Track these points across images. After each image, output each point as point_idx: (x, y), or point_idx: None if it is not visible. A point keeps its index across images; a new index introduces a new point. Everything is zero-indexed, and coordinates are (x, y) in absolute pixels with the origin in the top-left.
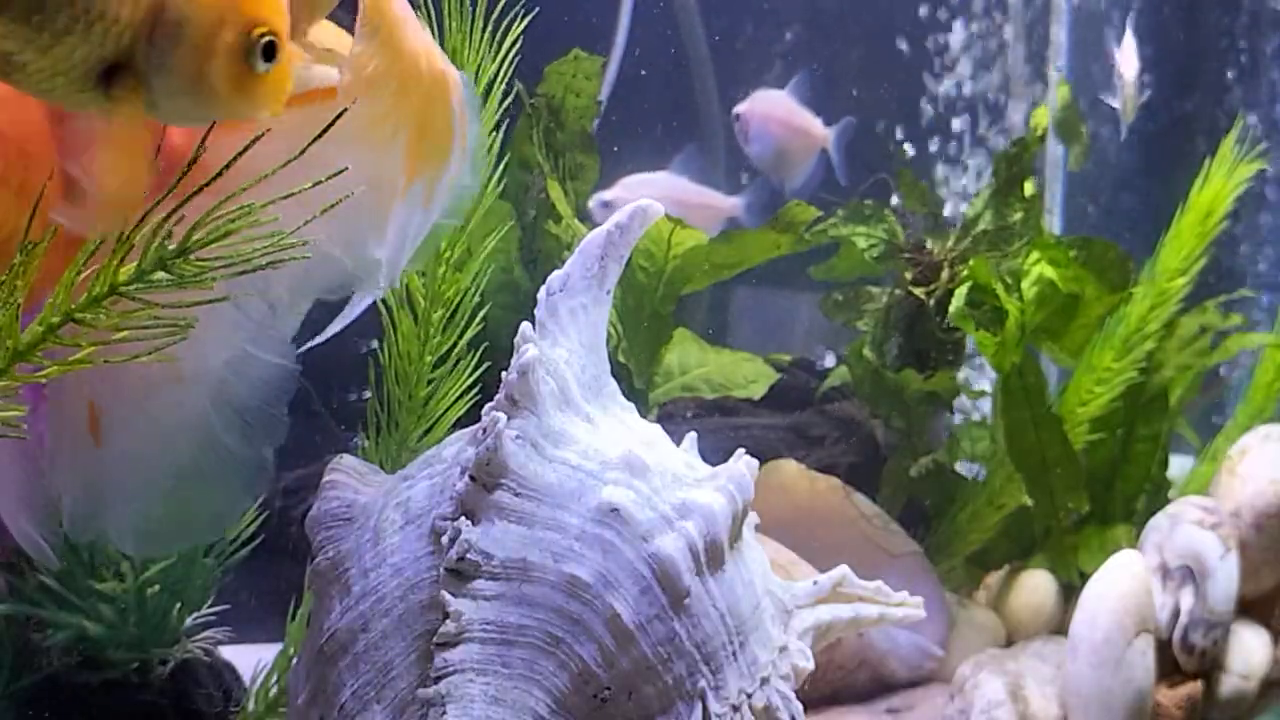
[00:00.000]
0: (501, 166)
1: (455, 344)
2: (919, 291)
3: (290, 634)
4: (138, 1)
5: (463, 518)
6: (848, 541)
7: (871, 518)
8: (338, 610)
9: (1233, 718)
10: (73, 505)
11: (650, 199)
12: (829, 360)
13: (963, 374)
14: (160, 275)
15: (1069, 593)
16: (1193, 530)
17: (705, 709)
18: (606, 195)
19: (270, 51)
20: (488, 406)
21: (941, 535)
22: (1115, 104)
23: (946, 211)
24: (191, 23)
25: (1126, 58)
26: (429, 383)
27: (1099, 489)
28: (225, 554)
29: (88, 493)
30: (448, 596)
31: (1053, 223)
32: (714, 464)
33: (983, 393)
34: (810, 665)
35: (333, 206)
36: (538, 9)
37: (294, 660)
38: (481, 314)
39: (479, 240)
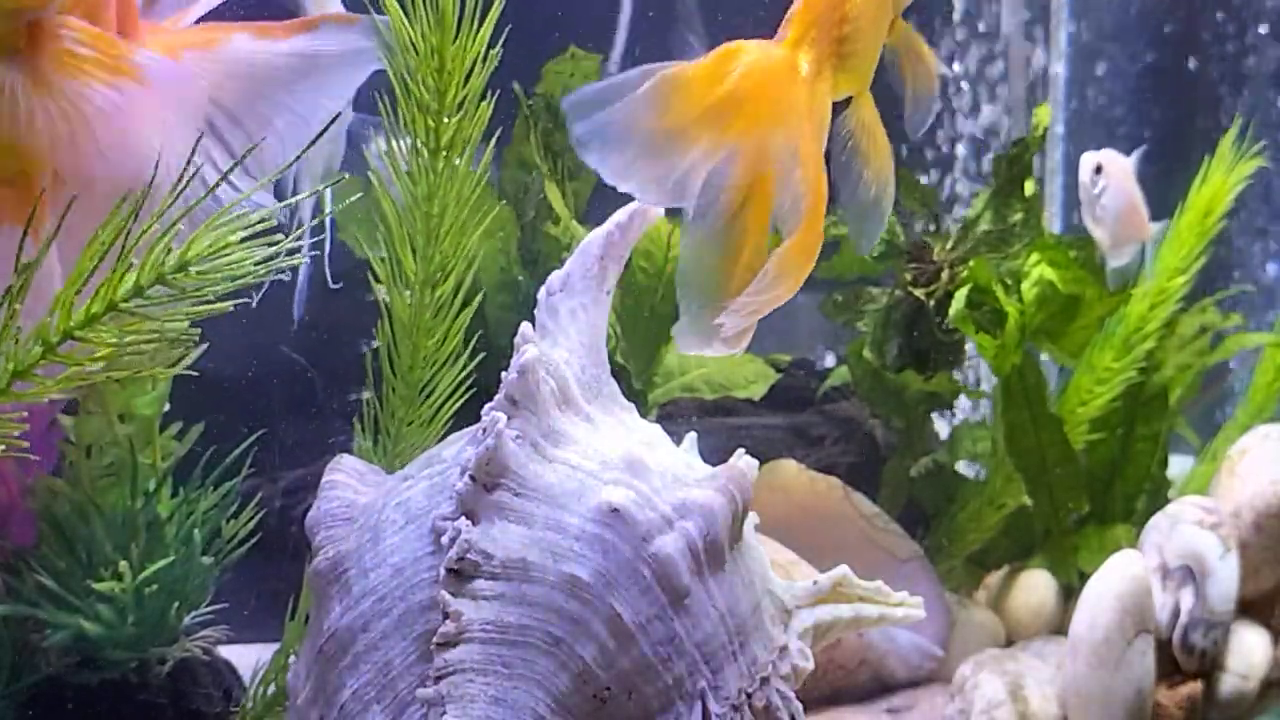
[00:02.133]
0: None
1: (454, 344)
2: (919, 292)
3: (290, 634)
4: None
5: (463, 518)
6: (847, 542)
7: (871, 518)
8: (338, 610)
9: (1233, 718)
10: None
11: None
12: (829, 360)
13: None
14: (158, 290)
15: (1069, 593)
16: (1193, 530)
17: (705, 709)
18: None
19: None
20: (488, 406)
21: (941, 535)
22: (1114, 260)
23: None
24: (870, 30)
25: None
26: (426, 383)
27: (1099, 489)
28: (224, 553)
29: None
30: (448, 596)
31: (1053, 223)
32: (714, 464)
33: (983, 393)
34: (810, 665)
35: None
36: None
37: (293, 660)
38: (478, 311)
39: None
